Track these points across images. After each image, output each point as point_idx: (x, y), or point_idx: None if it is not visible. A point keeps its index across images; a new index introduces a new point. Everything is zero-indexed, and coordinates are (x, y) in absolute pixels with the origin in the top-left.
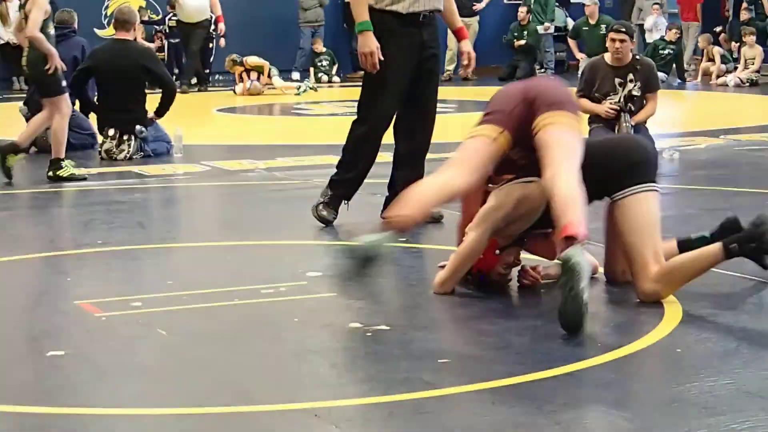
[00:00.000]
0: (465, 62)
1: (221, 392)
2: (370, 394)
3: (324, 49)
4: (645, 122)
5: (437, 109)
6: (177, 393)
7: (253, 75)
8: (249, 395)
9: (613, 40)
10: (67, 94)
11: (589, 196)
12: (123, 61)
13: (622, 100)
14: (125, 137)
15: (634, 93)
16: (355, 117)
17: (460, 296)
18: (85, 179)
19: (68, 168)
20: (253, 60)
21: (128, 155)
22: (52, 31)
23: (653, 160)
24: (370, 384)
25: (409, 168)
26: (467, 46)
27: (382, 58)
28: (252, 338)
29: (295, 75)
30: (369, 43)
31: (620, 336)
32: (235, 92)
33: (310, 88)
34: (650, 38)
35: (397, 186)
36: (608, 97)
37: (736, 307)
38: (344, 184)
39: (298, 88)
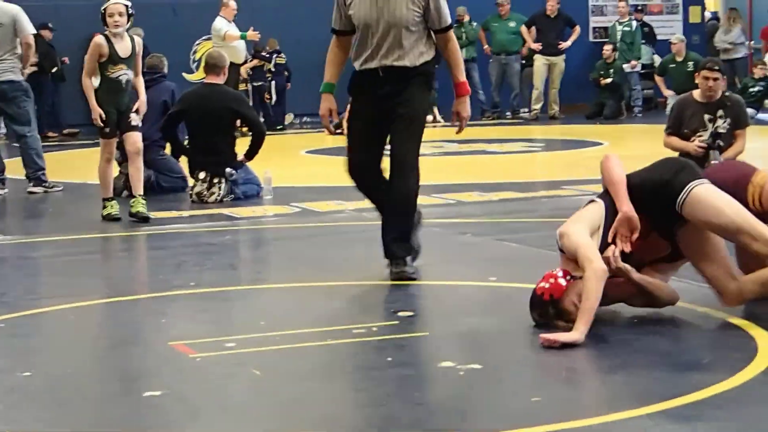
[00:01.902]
0: (455, 122)
1: (312, 428)
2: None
3: None
4: (734, 159)
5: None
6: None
7: None
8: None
9: (707, 78)
10: (111, 140)
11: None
12: (213, 104)
13: (710, 136)
14: (216, 180)
15: (722, 130)
16: None
17: (549, 331)
18: (117, 219)
19: (108, 209)
20: None
21: (219, 198)
22: (114, 74)
23: (692, 165)
24: (459, 422)
25: (386, 213)
26: (458, 105)
27: (336, 120)
28: (345, 377)
29: None
30: (322, 105)
31: (712, 373)
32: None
33: None
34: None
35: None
36: (697, 134)
37: None
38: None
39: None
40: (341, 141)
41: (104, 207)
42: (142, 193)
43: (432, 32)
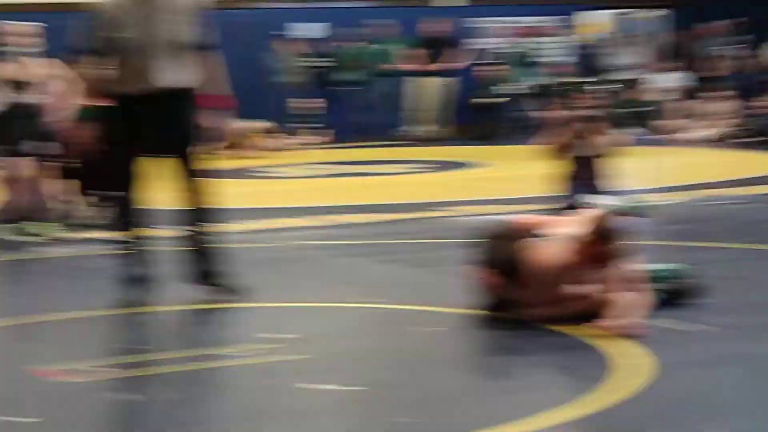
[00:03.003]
0: (206, 137)
1: None
2: None
3: (311, 112)
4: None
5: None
6: None
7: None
8: None
9: None
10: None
11: None
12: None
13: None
14: (106, 202)
15: None
16: None
17: (431, 352)
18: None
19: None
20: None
21: (109, 221)
22: None
23: None
24: None
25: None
26: (212, 119)
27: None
28: (226, 400)
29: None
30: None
31: (595, 391)
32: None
33: None
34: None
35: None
36: (577, 149)
37: (709, 361)
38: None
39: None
40: (227, 164)
41: None
42: (34, 216)
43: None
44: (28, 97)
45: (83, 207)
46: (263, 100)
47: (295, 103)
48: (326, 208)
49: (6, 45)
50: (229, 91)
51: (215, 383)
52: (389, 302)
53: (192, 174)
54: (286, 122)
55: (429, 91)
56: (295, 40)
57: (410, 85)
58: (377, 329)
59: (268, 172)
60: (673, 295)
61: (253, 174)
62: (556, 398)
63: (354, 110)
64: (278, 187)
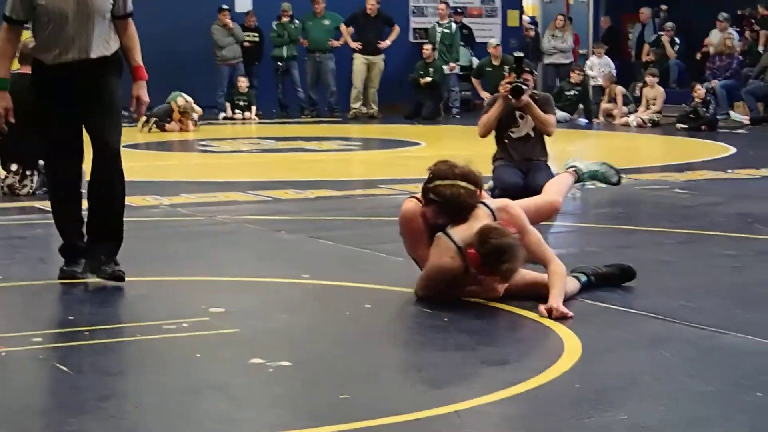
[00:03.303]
0: (132, 107)
1: (119, 428)
2: (269, 430)
3: (246, 89)
4: (546, 160)
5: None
6: (75, 427)
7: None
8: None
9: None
10: None
11: None
12: (24, 94)
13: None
14: (28, 172)
15: (532, 123)
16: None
17: (361, 330)
18: None
19: None
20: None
21: (31, 190)
22: None
23: None
24: (269, 420)
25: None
26: (139, 89)
27: (11, 119)
28: (152, 374)
29: (222, 114)
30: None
31: (519, 372)
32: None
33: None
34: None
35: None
36: (510, 129)
37: (633, 343)
38: (64, 234)
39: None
40: (159, 137)
41: None
42: None
43: (113, 19)
44: None
45: (4, 177)
46: (196, 74)
47: (226, 78)
48: (258, 183)
49: None
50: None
51: (146, 356)
52: (322, 278)
53: (109, 146)
54: (217, 97)
55: (359, 69)
56: (229, 13)
57: (333, 62)
58: (309, 305)
59: (199, 146)
60: (601, 279)
61: (185, 148)
62: (482, 380)
63: (283, 87)
64: (209, 161)
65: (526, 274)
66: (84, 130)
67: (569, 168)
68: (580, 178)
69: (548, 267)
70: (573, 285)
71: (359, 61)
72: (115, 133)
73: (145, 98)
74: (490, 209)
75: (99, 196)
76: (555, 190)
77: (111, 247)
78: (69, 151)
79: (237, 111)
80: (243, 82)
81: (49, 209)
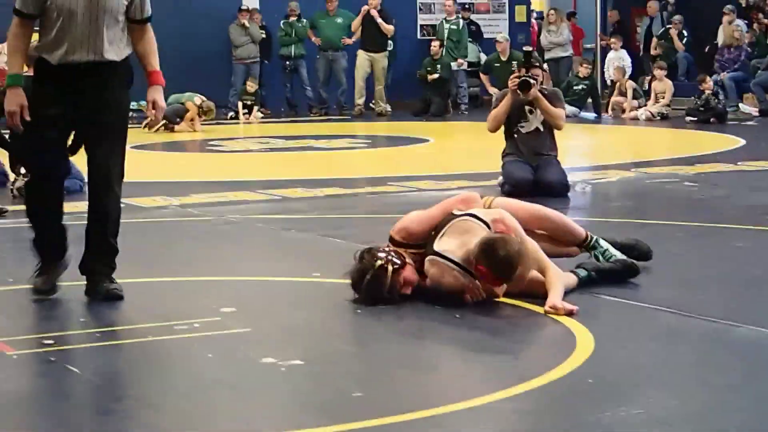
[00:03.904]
0: (149, 113)
1: (133, 429)
2: (282, 429)
3: (254, 89)
4: (556, 155)
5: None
6: (89, 429)
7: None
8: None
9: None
10: None
11: None
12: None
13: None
14: None
15: (541, 117)
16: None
17: (373, 328)
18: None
19: None
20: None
21: None
22: None
23: None
24: (282, 418)
25: (92, 228)
26: (155, 93)
27: (27, 117)
28: (165, 374)
29: (230, 114)
30: (11, 101)
31: (532, 367)
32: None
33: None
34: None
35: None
36: (519, 123)
37: (646, 337)
38: (42, 248)
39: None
40: (167, 137)
41: None
42: None
43: (129, 23)
44: None
45: (13, 180)
46: (207, 73)
47: (241, 78)
48: (267, 182)
49: None
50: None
51: (158, 357)
52: (333, 276)
53: (111, 173)
54: (230, 96)
55: (360, 65)
56: (242, 12)
57: (345, 60)
58: (321, 303)
59: (208, 146)
60: (603, 274)
61: (194, 148)
62: (495, 376)
63: (292, 85)
64: (218, 160)
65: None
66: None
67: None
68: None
69: (546, 274)
70: (570, 280)
71: (361, 58)
72: (119, 161)
73: (162, 103)
74: (484, 221)
75: (95, 218)
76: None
77: (106, 266)
78: (54, 154)
79: (244, 111)
80: (251, 84)
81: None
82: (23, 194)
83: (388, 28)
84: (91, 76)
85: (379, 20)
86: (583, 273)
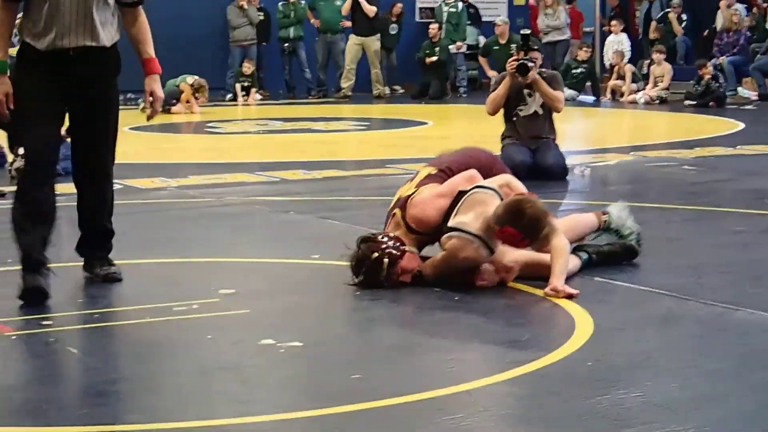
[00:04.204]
0: (147, 104)
1: (131, 410)
2: (280, 411)
3: (250, 71)
4: (554, 138)
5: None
6: (87, 410)
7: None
8: (159, 413)
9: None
10: None
11: None
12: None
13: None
14: None
15: (540, 100)
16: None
17: (372, 310)
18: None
19: None
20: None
21: None
22: None
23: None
24: (281, 400)
25: (87, 212)
26: (152, 83)
27: (12, 105)
28: (163, 356)
29: (228, 95)
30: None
31: (531, 350)
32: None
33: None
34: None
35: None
36: (518, 107)
37: (645, 321)
38: (27, 246)
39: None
40: (166, 118)
41: None
42: None
43: (119, 7)
44: None
45: (12, 161)
46: (204, 54)
47: (238, 60)
48: (266, 164)
49: None
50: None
51: (157, 338)
52: (331, 258)
53: (104, 170)
54: (227, 78)
55: (350, 49)
56: None
57: (344, 43)
58: (319, 285)
59: (206, 128)
60: (603, 257)
61: (192, 130)
62: (494, 359)
63: (290, 67)
64: (217, 142)
65: (526, 254)
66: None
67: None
68: (606, 226)
69: (552, 254)
70: (574, 263)
71: (351, 42)
72: (111, 156)
73: (160, 93)
74: (492, 189)
75: (90, 203)
76: (569, 227)
77: (103, 249)
78: (46, 142)
79: (242, 93)
80: (248, 66)
81: (57, 192)
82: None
83: (369, 9)
84: (83, 63)
85: (363, 2)
86: (584, 256)
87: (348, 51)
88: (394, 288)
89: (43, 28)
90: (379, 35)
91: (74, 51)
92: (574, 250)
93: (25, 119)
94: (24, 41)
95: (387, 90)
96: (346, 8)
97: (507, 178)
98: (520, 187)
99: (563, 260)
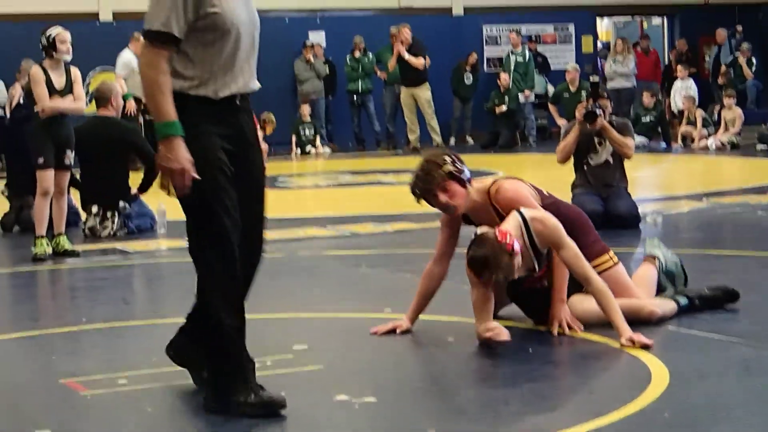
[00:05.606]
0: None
1: None
2: None
3: (309, 118)
4: (626, 186)
5: None
6: None
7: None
8: None
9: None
10: (47, 171)
11: None
12: (104, 136)
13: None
14: (109, 214)
15: (610, 148)
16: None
17: (446, 364)
18: (43, 259)
19: (41, 245)
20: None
21: (112, 232)
22: None
23: None
24: None
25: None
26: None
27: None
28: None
29: (298, 150)
30: (181, 155)
31: (607, 402)
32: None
33: None
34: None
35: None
36: (588, 155)
37: (722, 370)
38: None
39: None
40: None
41: (35, 245)
42: (63, 230)
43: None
44: (68, 105)
45: (85, 219)
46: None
47: (305, 112)
48: (338, 218)
49: (58, 51)
50: None
51: None
52: (404, 312)
53: (262, 248)
54: (297, 131)
55: (405, 101)
56: (307, 47)
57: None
58: (392, 339)
59: (277, 183)
60: (706, 301)
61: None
62: (572, 411)
63: (359, 120)
64: (286, 196)
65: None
66: None
67: (649, 256)
68: (659, 268)
69: (590, 287)
70: (670, 307)
71: (404, 93)
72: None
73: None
74: (524, 218)
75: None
76: (647, 293)
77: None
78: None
79: (306, 143)
80: (305, 109)
81: (130, 250)
82: (95, 234)
83: (417, 63)
84: (244, 111)
85: (407, 56)
86: (683, 301)
87: (402, 104)
88: (467, 340)
89: (227, 71)
90: (427, 84)
91: (240, 98)
92: (676, 294)
93: (209, 197)
94: (187, 95)
95: (470, 140)
96: (392, 64)
97: (545, 215)
98: (551, 228)
99: (612, 304)
